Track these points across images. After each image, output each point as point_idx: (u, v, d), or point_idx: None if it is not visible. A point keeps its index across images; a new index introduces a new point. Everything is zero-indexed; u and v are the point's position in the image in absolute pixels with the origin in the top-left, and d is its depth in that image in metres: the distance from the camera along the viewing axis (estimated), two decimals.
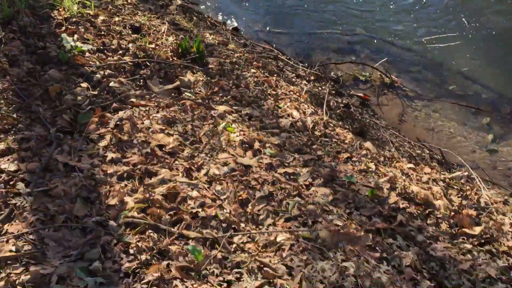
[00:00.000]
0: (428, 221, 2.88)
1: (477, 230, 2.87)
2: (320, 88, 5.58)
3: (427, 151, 4.94)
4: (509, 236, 2.91)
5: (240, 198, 2.62)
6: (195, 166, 2.79)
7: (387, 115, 6.02)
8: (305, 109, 4.30)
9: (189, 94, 3.52)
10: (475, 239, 2.83)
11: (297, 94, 4.63)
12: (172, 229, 2.27)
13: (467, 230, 2.87)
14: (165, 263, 2.09)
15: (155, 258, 2.09)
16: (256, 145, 3.20)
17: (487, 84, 6.93)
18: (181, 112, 3.25)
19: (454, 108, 6.42)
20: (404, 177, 3.34)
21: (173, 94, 3.47)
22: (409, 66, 7.08)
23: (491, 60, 7.29)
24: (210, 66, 4.12)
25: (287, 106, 4.07)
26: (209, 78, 3.89)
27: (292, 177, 2.99)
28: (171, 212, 2.36)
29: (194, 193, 2.52)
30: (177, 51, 4.03)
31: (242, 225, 2.47)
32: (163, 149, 2.82)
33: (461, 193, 3.37)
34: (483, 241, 2.83)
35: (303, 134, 3.68)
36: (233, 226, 2.42)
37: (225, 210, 2.49)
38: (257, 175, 2.86)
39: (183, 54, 4.01)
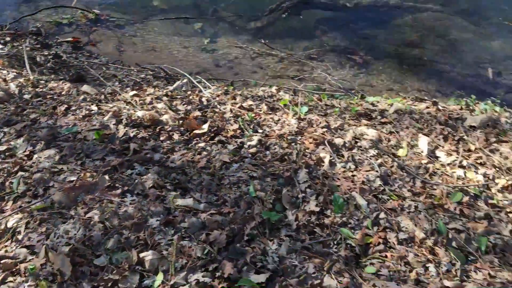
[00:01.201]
0: (161, 138, 2.97)
1: (205, 127, 3.09)
2: (20, 47, 5.00)
3: (151, 72, 5.01)
4: (232, 121, 3.23)
5: None
6: None
7: (105, 50, 5.84)
8: (5, 75, 3.81)
9: None
10: (206, 136, 3.05)
11: None
12: None
13: (197, 131, 3.07)
14: None
15: None
16: None
17: None
18: None
19: (166, 23, 6.60)
20: (128, 107, 3.32)
21: None
22: None
23: None
24: None
25: None
26: None
27: (8, 153, 2.68)
28: None
29: None
30: None
31: None
32: None
33: (184, 100, 3.55)
34: (212, 134, 3.06)
35: (10, 103, 3.29)
36: None
37: None
38: None
39: None
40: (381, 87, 6.19)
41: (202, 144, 2.97)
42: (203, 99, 3.57)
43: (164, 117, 3.15)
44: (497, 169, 2.96)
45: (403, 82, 6.37)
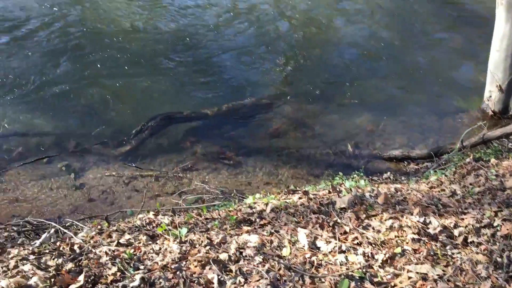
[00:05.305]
0: None
1: (80, 279, 2.86)
2: None
3: (15, 228, 4.60)
4: (109, 264, 3.03)
5: None
6: None
7: None
8: None
9: None
10: None
11: None
12: None
13: (72, 286, 2.82)
14: None
15: None
16: None
17: (52, 131, 7.00)
18: None
19: (27, 168, 6.25)
20: None
21: None
22: None
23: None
24: None
25: None
26: None
27: None
28: None
29: None
30: None
31: None
32: None
33: (54, 253, 3.28)
34: (90, 286, 2.84)
35: None
36: None
37: None
38: None
39: None
40: (258, 183, 6.42)
41: None
42: (75, 247, 3.33)
43: (33, 281, 2.86)
44: (373, 245, 3.14)
45: (277, 173, 6.70)
